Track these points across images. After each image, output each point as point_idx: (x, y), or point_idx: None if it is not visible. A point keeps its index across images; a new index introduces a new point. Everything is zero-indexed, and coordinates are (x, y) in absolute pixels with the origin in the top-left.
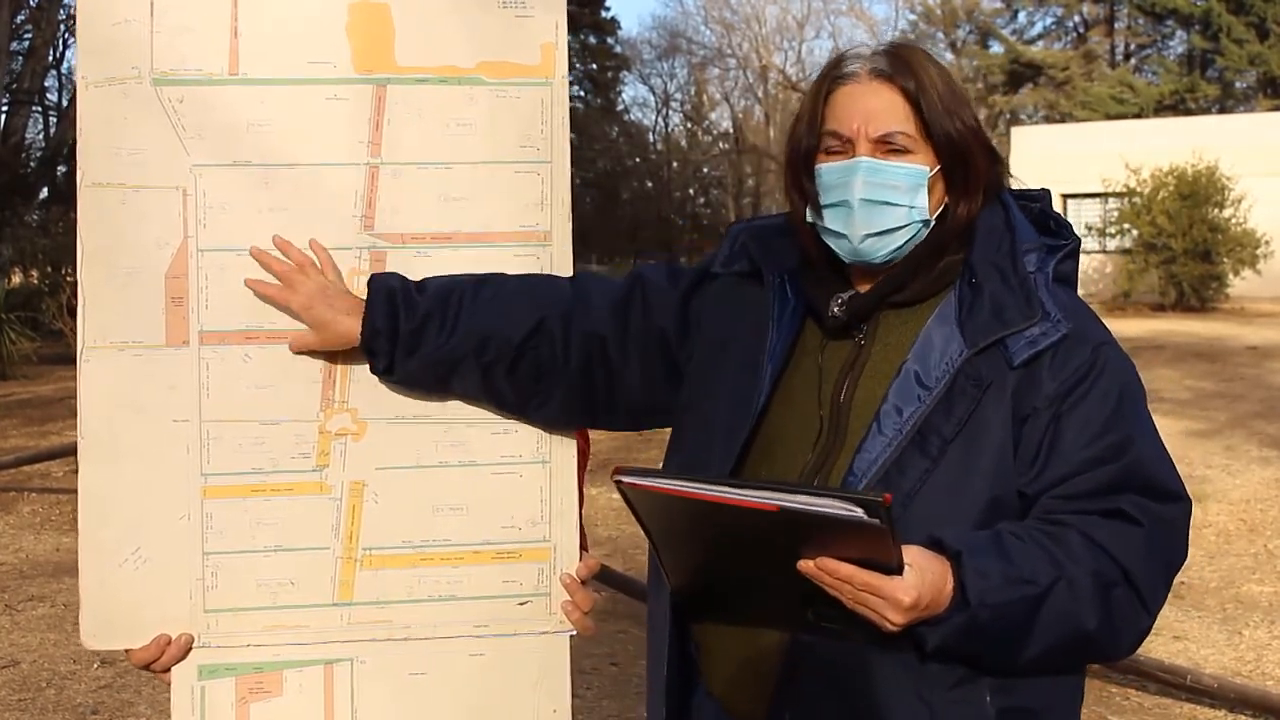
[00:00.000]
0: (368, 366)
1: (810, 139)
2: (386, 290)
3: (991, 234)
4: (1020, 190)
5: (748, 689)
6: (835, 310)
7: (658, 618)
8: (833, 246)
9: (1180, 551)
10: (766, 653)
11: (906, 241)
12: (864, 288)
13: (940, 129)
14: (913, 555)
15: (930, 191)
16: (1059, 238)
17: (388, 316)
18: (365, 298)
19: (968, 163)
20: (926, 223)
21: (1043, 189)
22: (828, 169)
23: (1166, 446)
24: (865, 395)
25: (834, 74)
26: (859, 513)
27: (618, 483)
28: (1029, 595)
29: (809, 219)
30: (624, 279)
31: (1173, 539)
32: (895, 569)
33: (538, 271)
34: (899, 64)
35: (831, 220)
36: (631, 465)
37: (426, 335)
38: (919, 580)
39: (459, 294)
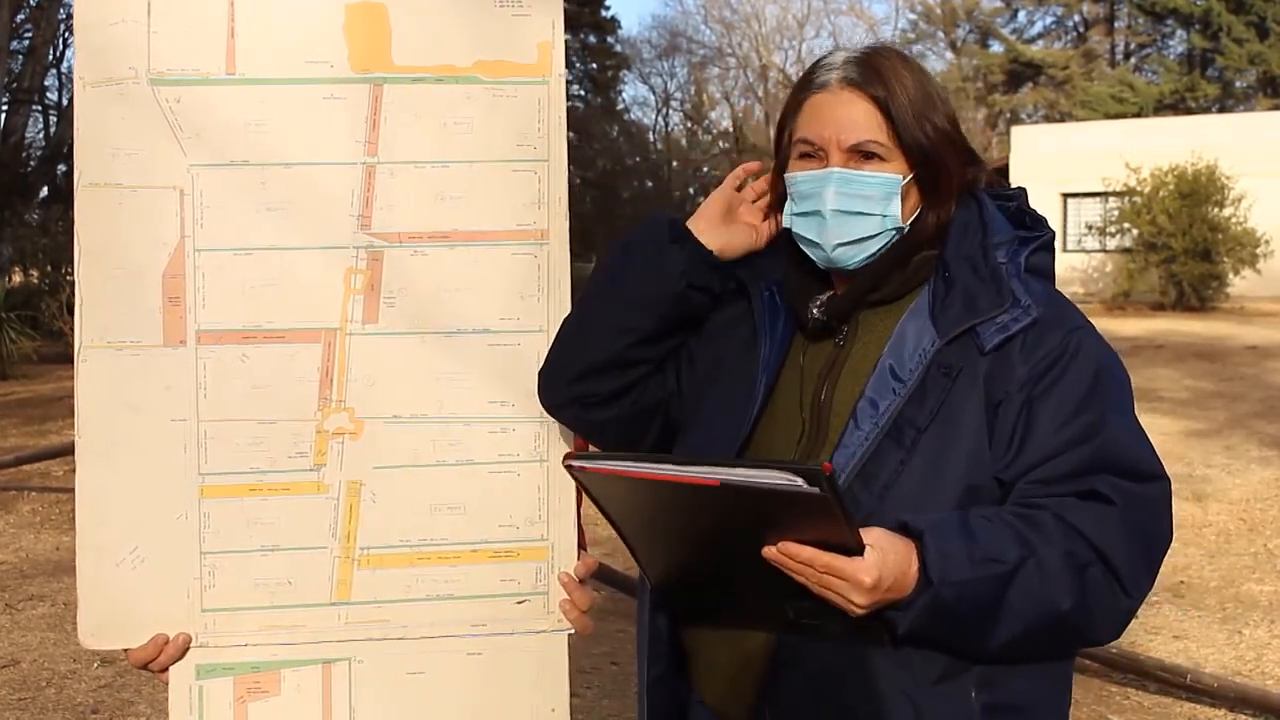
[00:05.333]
0: (364, 364)
1: (786, 148)
2: None
3: (966, 230)
4: (996, 190)
5: (737, 696)
6: (814, 312)
7: (644, 620)
8: (808, 253)
9: (1161, 531)
10: (752, 657)
11: (880, 249)
12: (844, 289)
13: (911, 137)
14: (875, 536)
15: (905, 198)
16: (1034, 232)
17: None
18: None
19: (940, 168)
20: (900, 229)
21: (1019, 188)
22: (802, 178)
23: (1145, 431)
24: (844, 394)
25: (808, 83)
26: (799, 482)
27: (568, 468)
28: (995, 574)
29: (785, 225)
30: None
31: (1151, 518)
32: (855, 550)
33: (534, 269)
34: (869, 72)
35: (804, 229)
36: (579, 452)
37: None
38: (880, 560)
39: None
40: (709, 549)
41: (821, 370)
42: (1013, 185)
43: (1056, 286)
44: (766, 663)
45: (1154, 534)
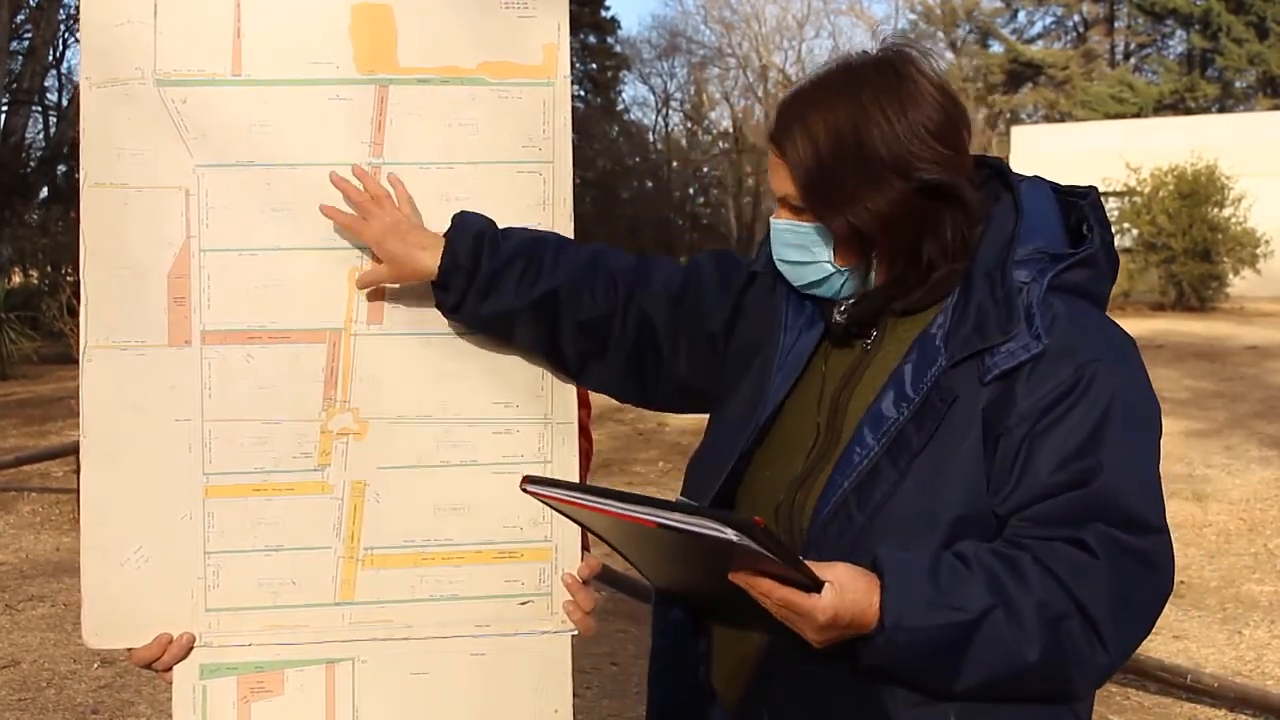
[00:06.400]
0: (368, 365)
1: None
2: (476, 229)
3: (995, 243)
4: (1069, 187)
5: (738, 691)
6: (837, 316)
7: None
8: None
9: (1153, 585)
10: (751, 651)
11: (843, 284)
12: (869, 295)
13: (809, 197)
14: (836, 573)
15: (847, 241)
16: (1077, 247)
17: (471, 255)
18: (446, 233)
19: (843, 218)
20: (844, 271)
21: (1090, 186)
22: None
23: (1155, 472)
24: (860, 402)
25: None
26: (729, 534)
27: (524, 490)
28: (955, 622)
29: None
30: (683, 269)
31: (1143, 572)
32: (813, 586)
33: None
34: (779, 124)
35: None
36: (538, 475)
37: (505, 282)
38: (837, 599)
39: (543, 248)
40: (687, 566)
41: (844, 375)
42: None
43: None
44: (760, 662)
45: (1145, 589)
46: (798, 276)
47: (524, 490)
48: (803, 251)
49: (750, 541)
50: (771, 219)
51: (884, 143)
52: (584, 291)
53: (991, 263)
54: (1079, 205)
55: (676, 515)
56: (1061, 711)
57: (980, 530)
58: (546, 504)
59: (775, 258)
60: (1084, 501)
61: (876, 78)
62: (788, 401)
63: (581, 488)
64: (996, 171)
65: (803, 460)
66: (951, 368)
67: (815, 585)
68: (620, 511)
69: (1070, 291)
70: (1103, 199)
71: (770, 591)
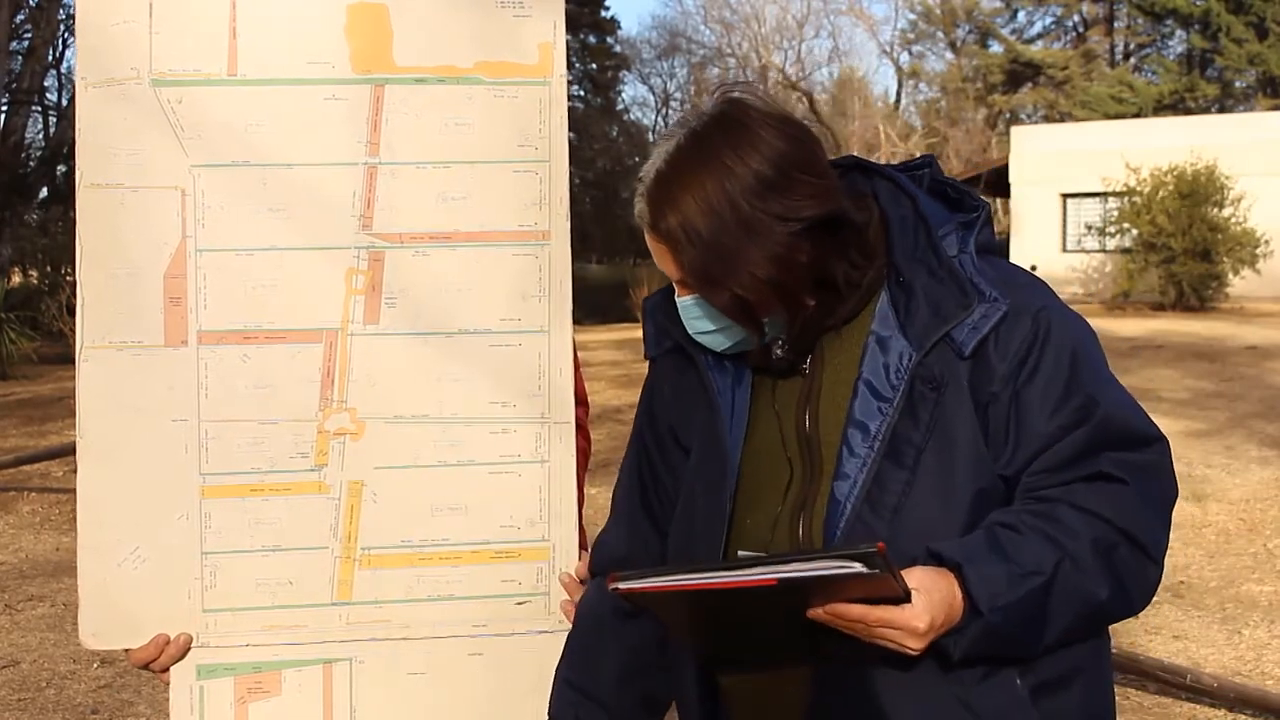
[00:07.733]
0: (365, 364)
1: None
2: None
3: (905, 228)
4: (903, 164)
5: None
6: (779, 352)
7: (681, 668)
8: None
9: (1169, 490)
10: (792, 695)
11: (764, 336)
12: (797, 324)
13: (697, 279)
14: (916, 578)
15: (749, 308)
16: (963, 208)
17: None
18: None
19: (742, 295)
20: (768, 320)
21: (926, 155)
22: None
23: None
24: (829, 422)
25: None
26: (857, 567)
27: (614, 590)
28: (1036, 586)
29: None
30: (619, 499)
31: (1159, 482)
32: (903, 598)
33: (536, 270)
34: (657, 215)
35: None
36: (623, 572)
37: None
38: (928, 603)
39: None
40: (754, 624)
41: (798, 403)
42: (1012, 186)
43: (1055, 287)
44: (806, 697)
45: (1164, 496)
46: (717, 343)
47: (614, 591)
48: (717, 319)
49: (876, 570)
50: (677, 299)
51: (759, 195)
52: (629, 655)
53: (913, 248)
54: (925, 175)
55: (793, 566)
56: (1099, 644)
57: (997, 499)
58: (637, 600)
59: (692, 332)
60: (1090, 436)
61: (725, 135)
62: (747, 452)
63: (675, 569)
64: (849, 167)
65: (781, 498)
66: (924, 357)
67: (906, 596)
68: (733, 580)
69: (985, 251)
70: (1102, 199)
71: (865, 615)
